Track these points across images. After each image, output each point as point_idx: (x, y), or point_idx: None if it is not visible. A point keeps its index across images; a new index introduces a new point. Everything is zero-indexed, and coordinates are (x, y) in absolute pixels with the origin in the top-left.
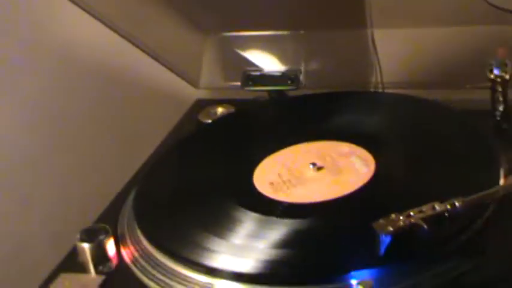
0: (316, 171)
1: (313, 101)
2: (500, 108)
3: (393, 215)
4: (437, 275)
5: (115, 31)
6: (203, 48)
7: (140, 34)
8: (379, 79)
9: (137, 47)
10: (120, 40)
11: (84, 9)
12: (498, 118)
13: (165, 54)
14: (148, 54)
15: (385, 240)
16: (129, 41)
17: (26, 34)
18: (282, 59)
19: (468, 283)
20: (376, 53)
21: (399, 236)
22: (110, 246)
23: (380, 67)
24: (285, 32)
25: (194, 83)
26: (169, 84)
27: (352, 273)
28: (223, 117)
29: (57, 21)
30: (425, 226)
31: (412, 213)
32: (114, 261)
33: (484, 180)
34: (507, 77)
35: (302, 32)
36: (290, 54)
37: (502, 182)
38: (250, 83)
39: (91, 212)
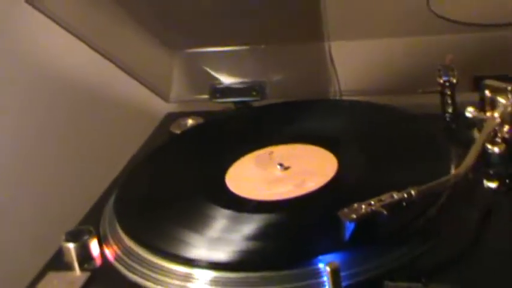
0: (284, 171)
1: (277, 110)
2: (450, 110)
3: (355, 204)
4: (396, 257)
5: (91, 47)
6: (172, 64)
7: (112, 50)
8: (336, 88)
9: (110, 61)
10: (94, 57)
11: (57, 23)
12: (448, 119)
13: (136, 70)
14: (120, 68)
15: (350, 226)
16: (103, 55)
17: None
18: (246, 72)
19: (423, 265)
20: (333, 64)
21: (362, 222)
22: (94, 246)
23: (337, 77)
24: (247, 47)
25: (165, 97)
26: (140, 99)
27: (320, 257)
28: (195, 127)
29: (30, 34)
30: (385, 212)
31: (372, 202)
32: (98, 260)
33: (437, 173)
34: (455, 81)
35: (263, 46)
36: (253, 67)
37: (452, 172)
38: (218, 95)
39: (67, 220)
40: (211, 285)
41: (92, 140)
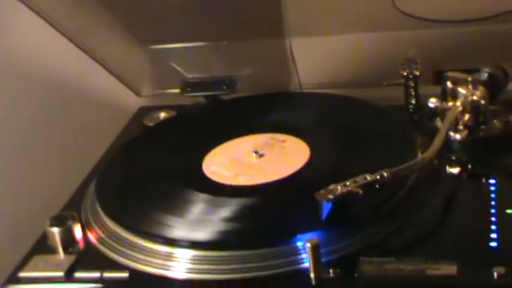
0: (259, 158)
1: (246, 102)
2: (413, 101)
3: (332, 186)
4: (369, 235)
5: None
6: (143, 59)
7: (87, 41)
8: (297, 82)
9: (84, 51)
10: (70, 51)
11: (33, 11)
12: (411, 111)
13: (108, 64)
14: (94, 59)
15: (327, 207)
16: (78, 46)
17: None
18: (216, 67)
19: (395, 242)
20: (294, 60)
21: (338, 202)
22: (77, 231)
23: (297, 72)
24: (211, 43)
25: (137, 92)
26: (112, 94)
27: (298, 236)
28: (170, 119)
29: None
30: (361, 192)
31: (348, 183)
32: (82, 244)
33: (404, 160)
34: (417, 73)
35: (225, 43)
36: (220, 63)
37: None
38: (189, 89)
39: (42, 212)
40: (192, 263)
41: (65, 132)
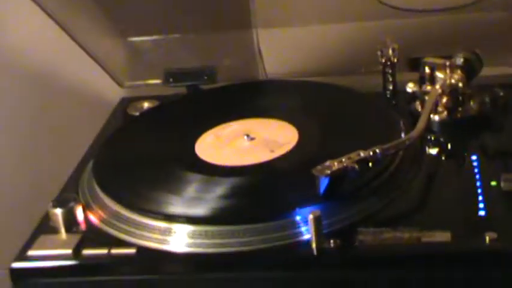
0: (250, 141)
1: (233, 90)
2: (390, 87)
3: (328, 162)
4: (362, 209)
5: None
6: (125, 50)
7: (69, 32)
8: (263, 73)
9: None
10: (51, 43)
11: None
12: (388, 96)
13: (91, 54)
14: (80, 46)
15: (324, 182)
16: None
17: None
18: (193, 58)
19: (389, 214)
20: (260, 51)
21: (334, 178)
22: (79, 212)
23: (263, 63)
24: (179, 35)
25: (120, 83)
26: (93, 86)
27: (297, 210)
28: (157, 107)
29: None
30: (357, 167)
31: (343, 159)
32: (83, 224)
33: (389, 139)
34: (395, 60)
35: (194, 35)
36: (198, 53)
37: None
38: (171, 80)
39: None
40: (190, 237)
41: (47, 123)
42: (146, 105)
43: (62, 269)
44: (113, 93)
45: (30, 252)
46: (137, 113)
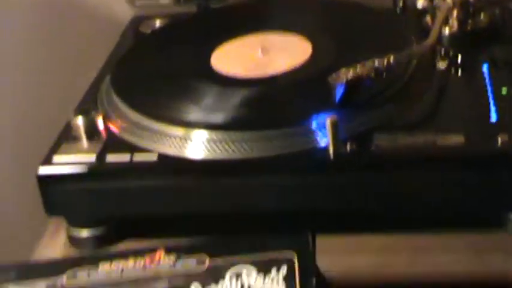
0: (265, 53)
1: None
2: (400, 3)
3: (343, 69)
4: (378, 117)
5: None
6: None
7: None
8: None
9: None
10: None
11: None
12: (398, 12)
13: None
14: None
15: (340, 89)
16: None
17: None
18: None
19: (404, 120)
20: None
21: (349, 85)
22: (100, 121)
23: None
24: None
25: (130, 1)
26: (103, 5)
27: (314, 116)
28: (175, 22)
29: None
30: (372, 75)
31: (358, 67)
32: (104, 133)
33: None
34: None
35: None
36: None
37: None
38: None
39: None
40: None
41: (58, 44)
42: (159, 22)
43: (86, 175)
44: (124, 14)
45: (56, 158)
46: (149, 31)
